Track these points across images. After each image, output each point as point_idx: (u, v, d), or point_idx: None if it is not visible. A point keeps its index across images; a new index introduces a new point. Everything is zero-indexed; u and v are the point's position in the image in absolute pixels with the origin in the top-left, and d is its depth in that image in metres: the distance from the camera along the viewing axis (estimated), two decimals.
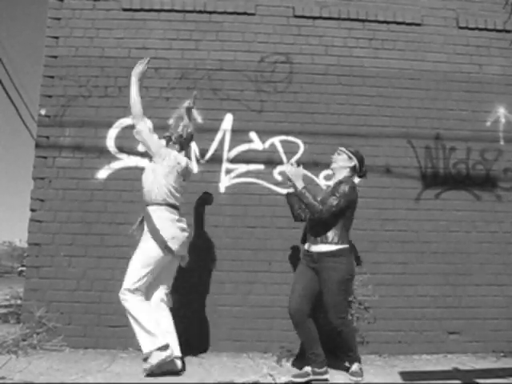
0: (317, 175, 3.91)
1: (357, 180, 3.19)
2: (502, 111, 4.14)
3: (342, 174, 3.01)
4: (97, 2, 4.08)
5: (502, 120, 4.13)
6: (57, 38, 4.01)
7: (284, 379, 2.82)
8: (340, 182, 2.92)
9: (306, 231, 3.06)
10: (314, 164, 3.91)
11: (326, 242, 2.84)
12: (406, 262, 3.83)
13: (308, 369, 2.82)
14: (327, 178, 3.91)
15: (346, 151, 3.04)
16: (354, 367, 2.89)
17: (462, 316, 3.77)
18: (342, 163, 3.03)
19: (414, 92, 4.11)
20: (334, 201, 2.82)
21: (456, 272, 3.84)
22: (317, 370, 2.79)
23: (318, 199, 2.86)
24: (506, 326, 3.76)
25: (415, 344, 3.69)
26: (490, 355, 3.63)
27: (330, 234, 2.85)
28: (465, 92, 4.14)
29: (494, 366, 3.34)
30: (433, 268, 3.83)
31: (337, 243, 2.83)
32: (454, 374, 3.08)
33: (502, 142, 4.09)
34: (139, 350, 3.52)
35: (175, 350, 2.91)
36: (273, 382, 2.78)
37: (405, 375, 2.99)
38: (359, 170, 3.06)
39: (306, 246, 2.99)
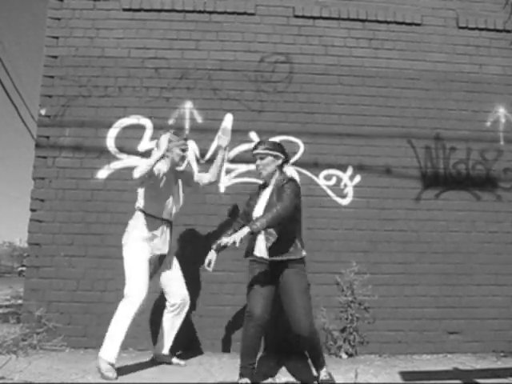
0: (317, 175, 3.91)
1: (291, 169, 3.09)
2: (501, 111, 4.14)
3: (275, 176, 2.78)
4: (97, 2, 4.08)
5: (502, 120, 4.13)
6: (57, 38, 4.01)
7: (284, 379, 2.82)
8: (282, 185, 2.67)
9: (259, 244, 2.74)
10: (314, 164, 3.92)
11: (292, 250, 2.64)
12: (406, 262, 3.83)
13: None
14: (327, 177, 3.92)
15: (269, 152, 2.74)
16: (323, 374, 2.64)
17: (462, 316, 3.77)
18: (270, 168, 2.76)
19: (414, 92, 4.11)
20: (286, 193, 2.59)
21: (456, 272, 3.84)
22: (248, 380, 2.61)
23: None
24: (506, 326, 3.77)
25: (415, 344, 3.69)
26: (489, 355, 3.63)
27: (297, 241, 2.68)
28: (465, 92, 4.14)
29: (493, 366, 3.34)
30: (433, 268, 3.83)
31: (302, 249, 2.69)
32: (454, 373, 3.08)
33: (502, 142, 4.09)
34: (139, 350, 3.54)
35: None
36: (273, 381, 2.78)
37: (405, 375, 2.99)
38: (285, 159, 2.82)
39: (265, 255, 2.70)
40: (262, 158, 2.76)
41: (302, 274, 2.66)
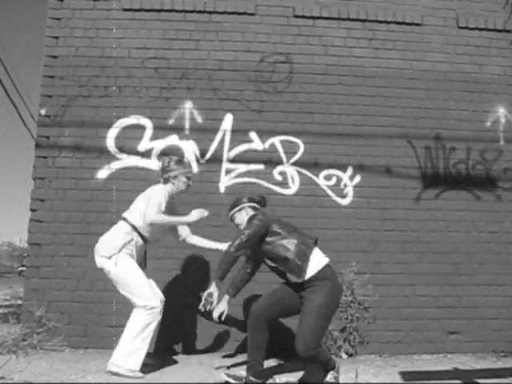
0: (317, 175, 3.91)
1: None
2: (501, 111, 4.14)
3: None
4: (97, 2, 4.08)
5: (502, 120, 4.13)
6: (57, 38, 4.01)
7: (284, 379, 2.82)
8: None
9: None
10: (314, 164, 3.92)
11: (291, 272, 2.59)
12: (406, 262, 3.83)
13: (243, 373, 2.63)
14: (327, 177, 3.92)
15: (233, 210, 2.89)
16: (329, 377, 2.54)
17: (462, 316, 3.77)
18: (245, 219, 2.84)
19: (414, 92, 4.11)
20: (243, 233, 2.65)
21: (456, 272, 3.84)
22: (252, 379, 2.58)
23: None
24: (506, 326, 3.77)
25: (415, 344, 3.69)
26: (489, 355, 3.63)
27: (294, 262, 2.58)
28: (465, 92, 4.14)
29: (494, 366, 3.35)
30: (433, 268, 3.83)
31: (304, 269, 2.55)
32: (454, 373, 3.08)
33: (501, 142, 4.09)
34: None
35: None
36: (273, 382, 2.78)
37: (405, 375, 2.99)
38: (259, 205, 2.92)
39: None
40: (232, 220, 2.92)
41: (318, 292, 2.50)
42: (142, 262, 3.07)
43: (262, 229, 2.66)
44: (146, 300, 2.82)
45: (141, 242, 2.99)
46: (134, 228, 2.94)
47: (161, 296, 2.94)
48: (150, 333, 2.81)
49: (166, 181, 3.09)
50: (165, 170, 3.08)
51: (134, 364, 2.75)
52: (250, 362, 2.63)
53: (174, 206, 3.16)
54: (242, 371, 2.69)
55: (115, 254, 2.85)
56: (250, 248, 2.73)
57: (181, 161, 3.15)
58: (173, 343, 3.59)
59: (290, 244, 2.61)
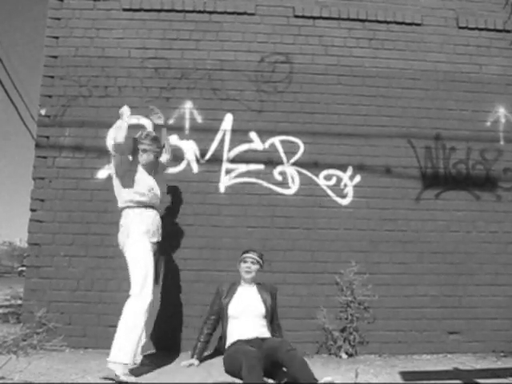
0: (317, 175, 3.91)
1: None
2: (501, 111, 4.14)
3: (253, 282, 3.17)
4: (97, 2, 4.09)
5: (502, 120, 4.13)
6: (57, 38, 4.01)
7: (284, 379, 2.82)
8: (274, 293, 3.17)
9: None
10: (314, 164, 3.92)
11: None
12: (406, 262, 3.83)
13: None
14: (327, 177, 3.92)
15: (260, 260, 3.16)
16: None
17: (462, 316, 3.77)
18: (255, 273, 3.15)
19: (414, 92, 4.11)
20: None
21: (456, 272, 3.84)
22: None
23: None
24: (506, 326, 3.77)
25: (415, 344, 3.69)
26: (489, 355, 3.63)
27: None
28: (465, 92, 4.14)
29: (494, 366, 3.35)
30: (433, 268, 3.83)
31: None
32: (454, 373, 3.08)
33: (502, 142, 4.09)
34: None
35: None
36: (273, 382, 2.78)
37: (405, 375, 2.99)
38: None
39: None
40: (253, 263, 3.14)
41: None
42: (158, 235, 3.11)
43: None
44: (140, 288, 2.84)
45: (147, 211, 3.04)
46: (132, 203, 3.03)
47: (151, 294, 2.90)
48: (140, 319, 2.80)
49: (133, 154, 3.19)
50: (138, 141, 3.20)
51: (124, 356, 2.69)
52: None
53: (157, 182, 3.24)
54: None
55: (130, 237, 2.96)
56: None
57: (156, 138, 3.25)
58: (173, 343, 3.58)
59: None
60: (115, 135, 3.05)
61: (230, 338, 2.95)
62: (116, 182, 3.13)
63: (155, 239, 3.07)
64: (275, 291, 3.20)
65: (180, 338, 3.60)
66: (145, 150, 3.17)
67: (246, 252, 3.19)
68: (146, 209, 3.06)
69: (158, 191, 3.20)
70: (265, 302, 3.06)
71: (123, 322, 2.78)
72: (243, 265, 3.14)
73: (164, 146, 3.40)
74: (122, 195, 3.07)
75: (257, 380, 2.39)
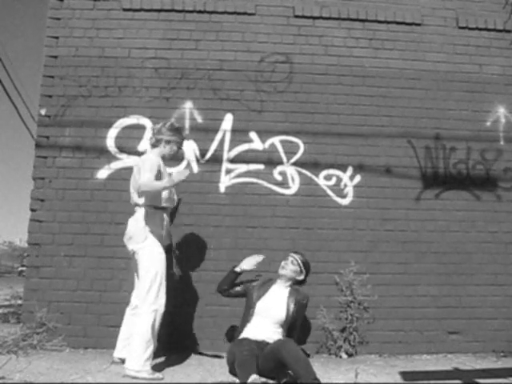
0: (317, 175, 3.91)
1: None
2: (502, 111, 4.14)
3: (288, 282, 3.09)
4: (97, 2, 4.08)
5: (502, 120, 4.13)
6: (57, 38, 4.01)
7: (285, 379, 2.82)
8: (304, 303, 3.03)
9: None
10: (314, 164, 3.92)
11: None
12: (406, 262, 3.83)
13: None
14: (327, 177, 3.92)
15: (302, 267, 3.09)
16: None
17: (462, 316, 3.77)
18: (292, 274, 3.08)
19: (414, 92, 4.11)
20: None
21: (456, 272, 3.84)
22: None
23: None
24: (506, 326, 3.77)
25: (415, 344, 3.69)
26: (489, 355, 3.63)
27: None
28: (465, 92, 4.14)
29: (493, 366, 3.35)
30: (433, 268, 3.83)
31: None
32: (454, 373, 3.08)
33: (501, 142, 4.09)
34: None
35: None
36: (273, 382, 2.78)
37: (405, 375, 2.99)
38: (303, 281, 3.13)
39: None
40: (292, 263, 3.08)
41: None
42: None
43: None
44: (155, 299, 2.87)
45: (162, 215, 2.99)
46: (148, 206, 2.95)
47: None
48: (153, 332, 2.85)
49: (154, 146, 3.09)
50: (157, 133, 3.06)
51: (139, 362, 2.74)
52: None
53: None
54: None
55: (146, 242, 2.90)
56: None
57: (178, 129, 3.14)
58: (173, 343, 3.58)
59: None
60: (155, 188, 2.86)
61: (244, 333, 2.92)
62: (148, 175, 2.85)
63: (168, 242, 3.08)
64: (304, 300, 3.04)
65: (180, 338, 3.59)
66: (168, 142, 3.06)
67: (294, 252, 3.19)
68: (163, 210, 3.03)
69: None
70: (288, 309, 2.95)
71: (141, 335, 2.79)
72: (283, 261, 3.12)
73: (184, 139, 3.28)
74: (156, 192, 2.89)
75: (247, 374, 2.39)
